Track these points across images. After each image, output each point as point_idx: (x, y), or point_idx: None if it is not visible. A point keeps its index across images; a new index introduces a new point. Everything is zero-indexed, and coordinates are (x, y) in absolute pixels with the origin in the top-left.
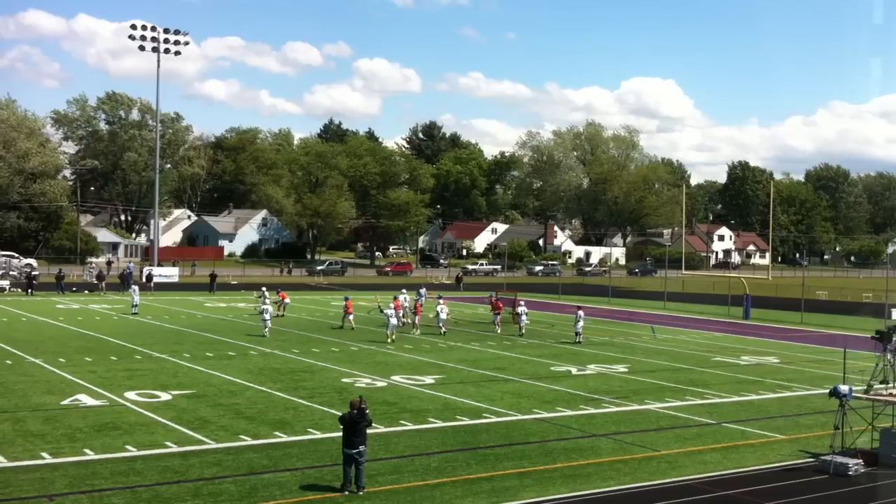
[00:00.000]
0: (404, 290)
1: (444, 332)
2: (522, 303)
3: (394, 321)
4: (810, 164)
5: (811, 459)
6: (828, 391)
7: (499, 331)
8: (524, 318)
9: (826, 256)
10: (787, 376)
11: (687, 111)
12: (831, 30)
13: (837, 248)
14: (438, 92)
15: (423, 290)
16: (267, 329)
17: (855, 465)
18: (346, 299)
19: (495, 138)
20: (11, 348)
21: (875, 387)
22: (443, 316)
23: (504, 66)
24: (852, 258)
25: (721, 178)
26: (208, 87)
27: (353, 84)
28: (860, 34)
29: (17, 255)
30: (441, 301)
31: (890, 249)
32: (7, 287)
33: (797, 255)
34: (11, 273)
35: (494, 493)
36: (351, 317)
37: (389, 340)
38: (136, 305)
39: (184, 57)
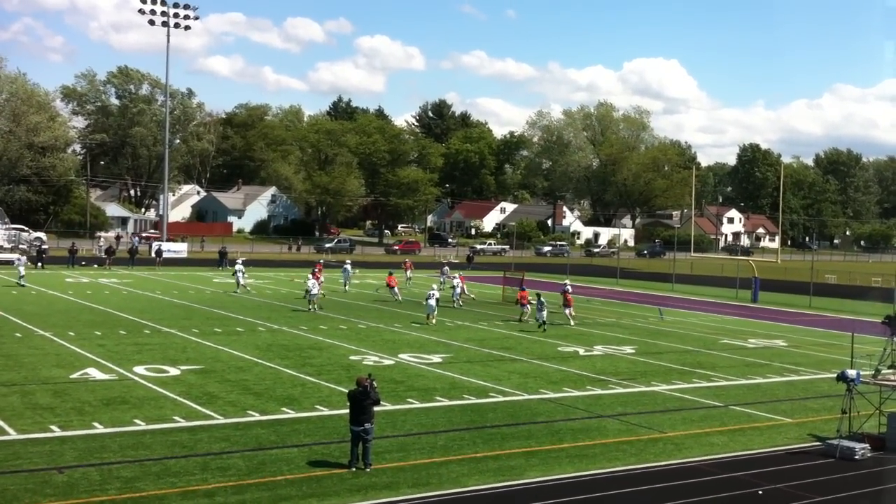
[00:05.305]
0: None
1: (460, 306)
2: None
3: (432, 302)
4: (817, 147)
5: (817, 443)
6: (835, 375)
7: (527, 318)
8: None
9: (836, 240)
10: (795, 360)
11: (691, 93)
12: (841, 12)
13: (847, 233)
14: (442, 70)
15: (446, 269)
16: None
17: (861, 449)
18: (389, 273)
19: (500, 117)
20: (21, 321)
21: (883, 371)
22: (458, 291)
23: (506, 44)
24: (862, 242)
25: (728, 159)
26: (212, 63)
27: (357, 61)
28: (873, 16)
29: (26, 228)
30: (458, 277)
31: None
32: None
33: (806, 239)
34: (21, 246)
35: (500, 471)
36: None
37: (431, 322)
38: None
39: (188, 33)
